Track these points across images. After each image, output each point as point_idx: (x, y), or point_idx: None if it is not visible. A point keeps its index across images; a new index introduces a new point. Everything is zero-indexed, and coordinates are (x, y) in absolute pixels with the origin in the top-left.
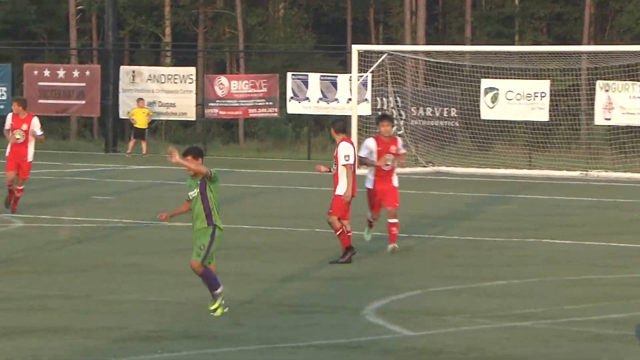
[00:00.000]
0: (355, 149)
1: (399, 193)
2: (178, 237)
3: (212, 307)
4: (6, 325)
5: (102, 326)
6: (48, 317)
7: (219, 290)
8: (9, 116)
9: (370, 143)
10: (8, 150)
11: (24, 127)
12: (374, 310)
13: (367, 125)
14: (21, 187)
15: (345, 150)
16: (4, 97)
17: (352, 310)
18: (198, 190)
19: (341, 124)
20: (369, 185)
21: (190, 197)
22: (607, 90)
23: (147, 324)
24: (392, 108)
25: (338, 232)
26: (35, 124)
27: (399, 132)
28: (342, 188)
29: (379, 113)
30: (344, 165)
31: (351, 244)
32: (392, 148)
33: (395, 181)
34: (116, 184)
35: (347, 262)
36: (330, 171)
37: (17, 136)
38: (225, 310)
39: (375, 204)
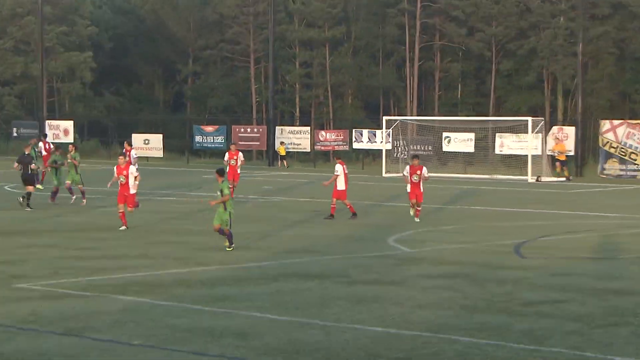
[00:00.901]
0: (343, 167)
1: (423, 194)
2: (292, 208)
3: (229, 246)
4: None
5: (270, 245)
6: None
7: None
8: (227, 153)
9: (407, 168)
10: (228, 169)
11: (235, 157)
12: (393, 239)
13: (391, 155)
14: (232, 187)
15: (336, 168)
16: (223, 141)
17: (382, 240)
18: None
19: (338, 154)
20: (408, 190)
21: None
22: (501, 138)
23: (291, 245)
24: (403, 146)
25: (333, 206)
26: (241, 157)
27: (404, 157)
28: (340, 184)
29: (404, 151)
30: (334, 175)
31: (333, 213)
32: (418, 172)
33: (421, 188)
34: (274, 181)
35: (330, 218)
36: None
37: (232, 162)
38: (231, 249)
39: (411, 198)
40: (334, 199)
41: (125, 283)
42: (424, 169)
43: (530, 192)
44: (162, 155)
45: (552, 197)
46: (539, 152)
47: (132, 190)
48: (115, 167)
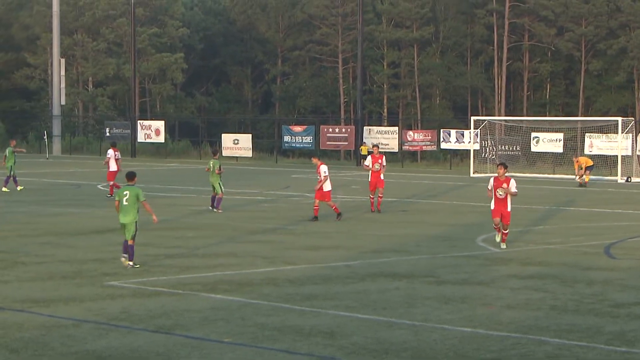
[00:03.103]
0: (327, 169)
1: (511, 214)
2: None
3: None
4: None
5: (358, 244)
6: (326, 241)
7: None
8: (370, 157)
9: (491, 180)
10: (370, 177)
11: (379, 160)
12: (480, 239)
13: (479, 155)
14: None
15: (323, 169)
16: (312, 141)
17: (470, 239)
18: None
19: (317, 155)
20: (492, 207)
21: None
22: (590, 138)
23: (369, 246)
24: (491, 146)
25: (316, 207)
26: (384, 162)
27: (492, 157)
28: (326, 186)
29: (492, 151)
30: (323, 176)
31: (316, 215)
32: (504, 185)
33: (509, 207)
34: (362, 181)
35: (314, 220)
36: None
37: (377, 167)
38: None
39: (496, 216)
40: (317, 200)
41: (215, 281)
42: (512, 181)
43: (620, 192)
44: (251, 155)
45: None
46: (629, 153)
47: None
48: None
